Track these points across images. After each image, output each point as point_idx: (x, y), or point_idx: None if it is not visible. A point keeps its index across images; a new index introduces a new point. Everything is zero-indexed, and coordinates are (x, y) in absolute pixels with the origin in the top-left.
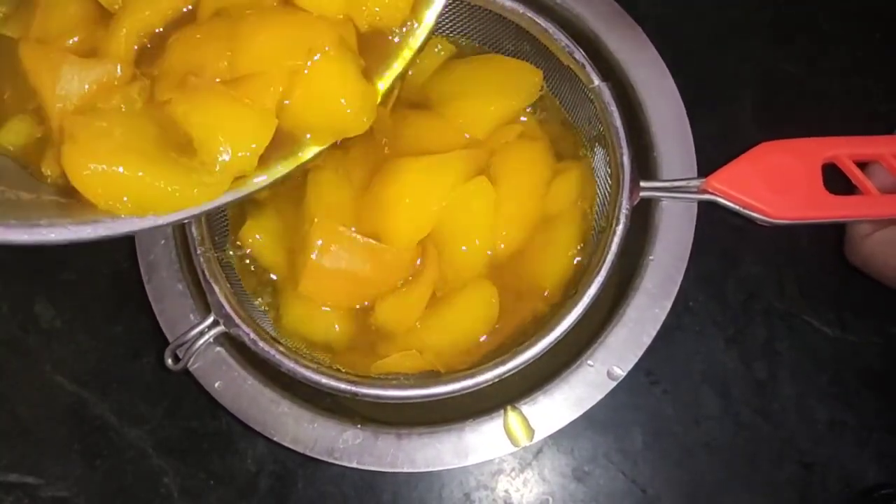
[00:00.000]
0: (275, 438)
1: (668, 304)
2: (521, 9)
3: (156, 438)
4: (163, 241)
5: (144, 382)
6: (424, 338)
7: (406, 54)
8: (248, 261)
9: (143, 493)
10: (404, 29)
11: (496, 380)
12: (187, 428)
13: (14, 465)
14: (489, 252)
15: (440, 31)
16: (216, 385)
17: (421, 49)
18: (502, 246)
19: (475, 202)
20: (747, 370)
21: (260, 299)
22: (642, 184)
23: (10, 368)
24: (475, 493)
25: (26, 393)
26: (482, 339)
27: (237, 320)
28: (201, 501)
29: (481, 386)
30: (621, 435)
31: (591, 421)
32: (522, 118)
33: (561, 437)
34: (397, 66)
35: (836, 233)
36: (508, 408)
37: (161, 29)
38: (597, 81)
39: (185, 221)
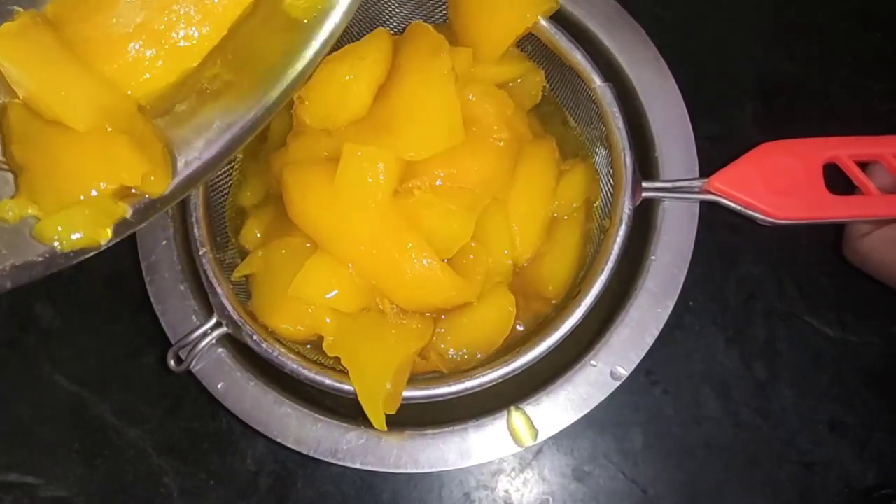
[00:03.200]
0: (278, 440)
1: (671, 304)
2: None
3: (156, 438)
4: (164, 242)
5: (144, 382)
6: (438, 344)
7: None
8: None
9: (143, 493)
10: None
11: (500, 380)
12: (187, 428)
13: (14, 464)
14: (510, 261)
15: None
16: (219, 386)
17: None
18: (521, 252)
19: (494, 221)
20: (747, 370)
21: None
22: (644, 184)
23: (10, 368)
24: (475, 493)
25: (26, 393)
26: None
27: (240, 322)
28: (201, 501)
29: (485, 387)
30: (621, 435)
31: (591, 421)
32: None
33: (561, 437)
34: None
35: (835, 233)
36: (512, 408)
37: None
38: (599, 82)
39: None
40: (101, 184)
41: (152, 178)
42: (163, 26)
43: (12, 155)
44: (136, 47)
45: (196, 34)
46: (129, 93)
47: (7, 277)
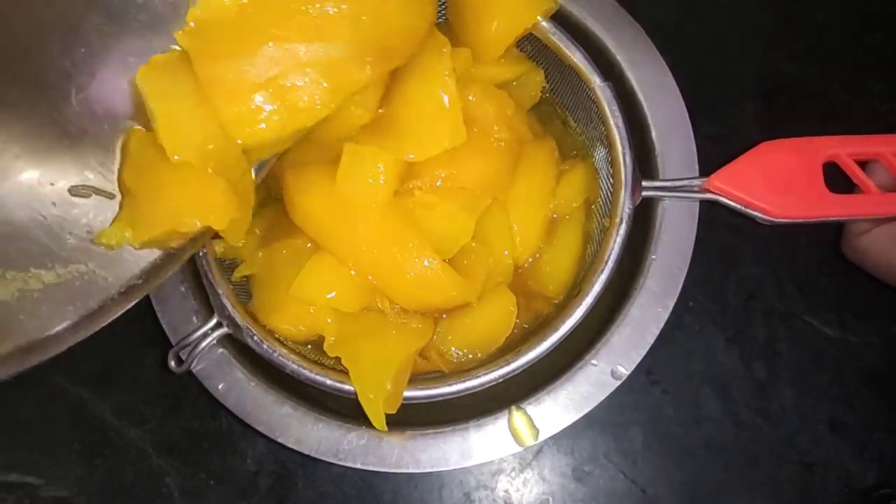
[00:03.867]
0: (279, 440)
1: (671, 303)
2: None
3: (156, 438)
4: None
5: (145, 383)
6: (439, 344)
7: None
8: None
9: (143, 493)
10: None
11: (501, 380)
12: (187, 428)
13: (14, 464)
14: (511, 261)
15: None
16: (220, 387)
17: None
18: (521, 252)
19: (494, 221)
20: (747, 370)
21: None
22: (644, 183)
23: None
24: (475, 493)
25: (26, 393)
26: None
27: (241, 322)
28: (201, 501)
29: (486, 386)
30: (621, 435)
31: (591, 421)
32: None
33: (561, 437)
34: None
35: (835, 233)
36: (513, 408)
37: None
38: (598, 81)
39: None
40: (195, 222)
41: (235, 225)
42: (290, 84)
43: (123, 178)
44: (261, 99)
45: (318, 101)
46: (239, 140)
47: (117, 304)
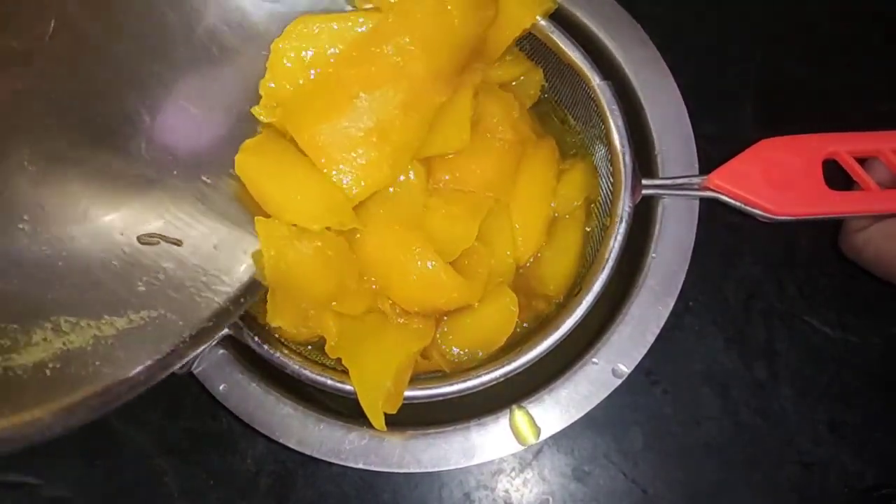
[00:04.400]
0: (280, 440)
1: (672, 302)
2: None
3: (156, 438)
4: None
5: None
6: (441, 343)
7: None
8: None
9: (143, 492)
10: None
11: (501, 379)
12: (187, 428)
13: (14, 464)
14: (512, 261)
15: None
16: (221, 388)
17: None
18: (523, 252)
19: (496, 222)
20: (747, 370)
21: None
22: (644, 181)
23: None
24: (475, 493)
25: None
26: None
27: (241, 323)
28: (201, 501)
29: (487, 385)
30: (621, 435)
31: (591, 421)
32: None
33: (561, 437)
34: None
35: (835, 232)
36: (514, 407)
37: None
38: (598, 80)
39: None
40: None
41: None
42: (389, 127)
43: (266, 277)
44: (369, 150)
45: (415, 134)
46: (351, 195)
47: (189, 347)
